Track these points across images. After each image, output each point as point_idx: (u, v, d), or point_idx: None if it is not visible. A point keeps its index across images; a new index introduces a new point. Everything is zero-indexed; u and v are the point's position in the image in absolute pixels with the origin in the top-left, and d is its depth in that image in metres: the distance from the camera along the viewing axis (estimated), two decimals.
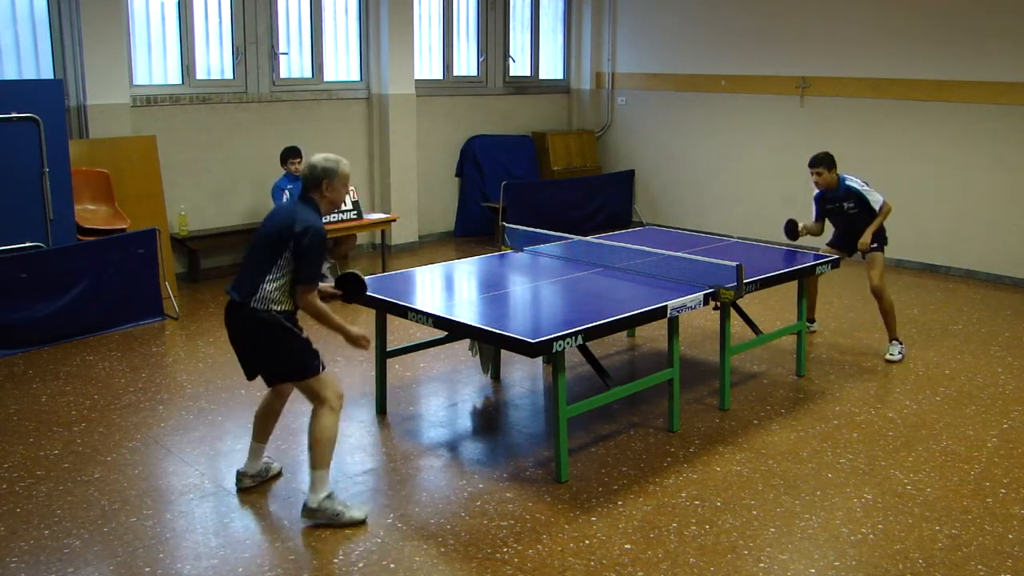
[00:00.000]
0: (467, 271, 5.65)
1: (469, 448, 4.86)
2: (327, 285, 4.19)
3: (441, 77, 10.09)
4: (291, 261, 3.80)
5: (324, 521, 3.86)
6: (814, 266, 5.61)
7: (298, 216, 3.82)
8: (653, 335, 6.50)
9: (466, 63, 10.33)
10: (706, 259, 5.18)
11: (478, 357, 5.63)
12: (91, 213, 7.04)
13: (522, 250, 5.92)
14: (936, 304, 7.56)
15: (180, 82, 8.04)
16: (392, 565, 3.60)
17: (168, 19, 7.94)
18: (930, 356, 6.20)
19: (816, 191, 6.25)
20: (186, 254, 8.07)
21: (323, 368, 3.91)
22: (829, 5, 9.09)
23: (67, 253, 6.37)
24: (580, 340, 4.16)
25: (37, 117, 6.33)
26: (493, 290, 5.13)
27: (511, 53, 10.70)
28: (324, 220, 3.95)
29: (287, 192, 7.72)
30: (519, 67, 10.83)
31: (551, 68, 11.28)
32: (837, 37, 9.06)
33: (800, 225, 6.32)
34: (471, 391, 5.57)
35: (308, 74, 8.92)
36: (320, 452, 3.87)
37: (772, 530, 3.89)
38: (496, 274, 5.51)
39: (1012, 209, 8.17)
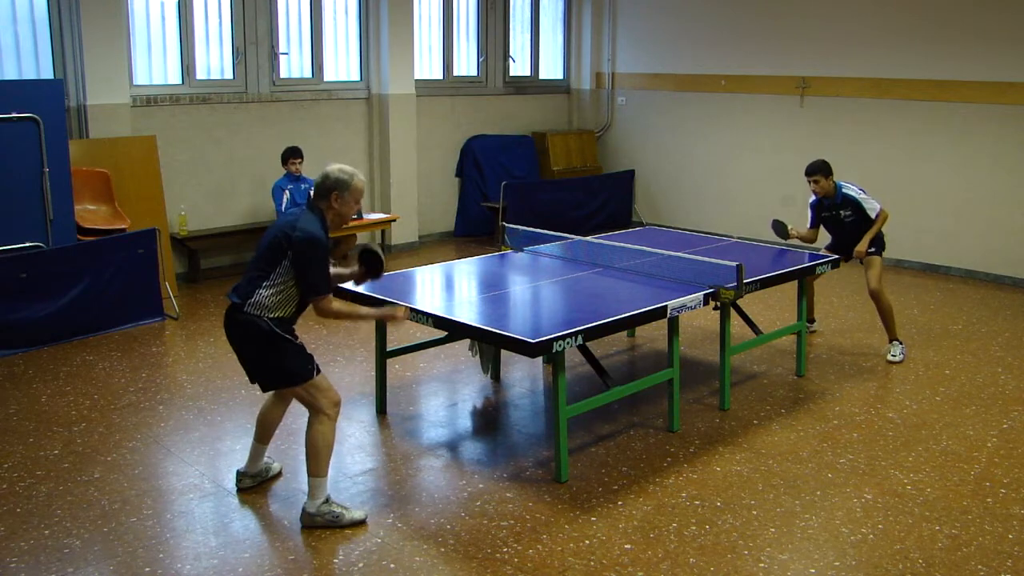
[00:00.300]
0: (467, 271, 5.65)
1: (469, 448, 4.86)
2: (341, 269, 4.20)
3: (441, 77, 10.09)
4: (289, 270, 3.75)
5: (324, 525, 3.86)
6: (814, 266, 5.61)
7: (299, 224, 3.76)
8: (653, 335, 6.50)
9: (466, 63, 10.33)
10: (706, 259, 5.18)
11: (478, 357, 5.63)
12: (91, 213, 7.04)
13: (522, 250, 5.92)
14: (936, 304, 7.56)
15: (180, 82, 8.05)
16: (392, 565, 3.60)
17: (168, 19, 7.94)
18: (930, 356, 6.20)
19: (813, 198, 6.24)
20: (186, 254, 8.07)
21: (317, 372, 3.87)
22: (829, 5, 9.09)
23: (67, 253, 6.37)
24: (580, 340, 4.16)
25: (37, 117, 6.33)
26: (493, 290, 5.13)
27: (511, 53, 10.70)
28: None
29: (287, 192, 7.73)
30: (519, 67, 10.83)
31: (551, 68, 11.28)
32: (837, 37, 9.06)
33: (790, 228, 6.30)
34: (471, 391, 5.57)
35: (308, 74, 8.92)
36: (317, 461, 3.86)
37: (772, 530, 3.89)
38: (496, 274, 5.51)
39: (1012, 209, 8.17)
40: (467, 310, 4.75)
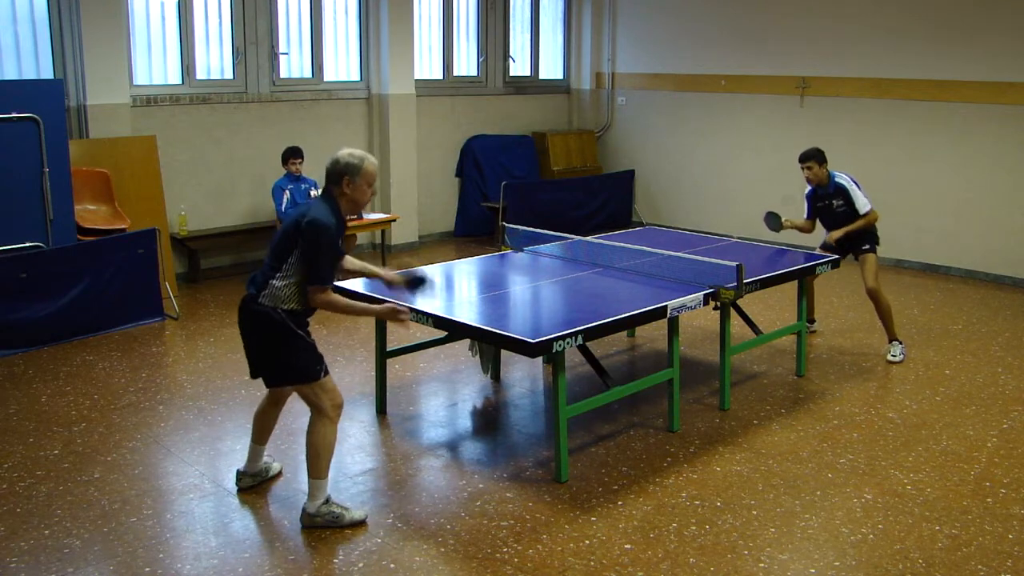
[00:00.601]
0: (467, 271, 5.65)
1: (469, 448, 4.86)
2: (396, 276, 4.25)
3: (441, 77, 10.09)
4: (301, 260, 3.71)
5: (324, 525, 3.85)
6: (814, 266, 5.61)
7: (309, 212, 3.72)
8: (653, 335, 6.50)
9: (466, 63, 10.33)
10: (706, 259, 5.18)
11: (478, 357, 5.63)
12: (91, 213, 7.04)
13: (522, 250, 5.92)
14: (936, 304, 7.56)
15: (180, 82, 8.05)
16: (392, 565, 3.60)
17: (168, 19, 7.94)
18: (930, 356, 6.20)
19: (808, 189, 6.27)
20: (186, 254, 8.07)
21: (325, 374, 3.85)
22: (829, 5, 9.09)
23: (67, 253, 6.37)
24: (580, 340, 4.16)
25: (37, 117, 6.33)
26: (493, 290, 5.13)
27: (511, 53, 10.70)
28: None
29: (287, 192, 7.73)
30: (519, 67, 10.83)
31: (551, 68, 11.28)
32: (837, 37, 9.07)
33: (785, 219, 6.31)
34: (471, 391, 5.57)
35: (308, 74, 8.92)
36: (317, 462, 3.84)
37: (772, 530, 3.89)
38: (496, 274, 5.51)
39: (1012, 209, 8.17)
40: (467, 310, 4.75)
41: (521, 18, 10.85)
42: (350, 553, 3.69)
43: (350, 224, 8.04)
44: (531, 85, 10.99)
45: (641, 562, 3.63)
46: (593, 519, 3.97)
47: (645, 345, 6.46)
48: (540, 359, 5.82)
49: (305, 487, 3.99)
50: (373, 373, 5.25)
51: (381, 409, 5.16)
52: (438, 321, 4.40)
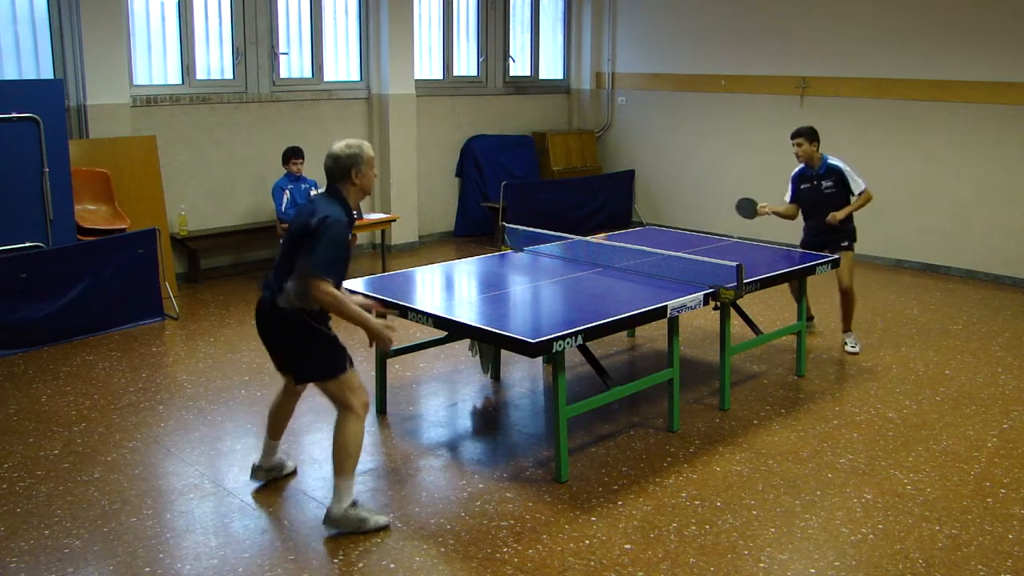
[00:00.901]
0: (467, 271, 5.65)
1: (469, 448, 4.86)
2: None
3: (441, 77, 10.09)
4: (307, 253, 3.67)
5: (349, 530, 3.80)
6: (814, 266, 5.61)
7: (318, 210, 3.70)
8: (653, 335, 6.50)
9: (466, 63, 10.33)
10: (706, 259, 5.18)
11: (478, 357, 5.63)
12: (91, 213, 7.04)
13: (522, 250, 5.92)
14: (936, 304, 7.56)
15: (180, 82, 8.05)
16: (392, 565, 3.60)
17: (168, 19, 7.94)
18: (930, 356, 6.20)
19: (795, 170, 6.25)
20: (186, 254, 8.07)
21: (351, 364, 3.83)
22: (829, 5, 9.09)
23: (67, 253, 6.37)
24: (580, 340, 4.16)
25: (37, 117, 6.33)
26: (493, 290, 5.13)
27: (511, 53, 10.70)
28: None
29: (287, 192, 7.73)
30: (519, 67, 10.83)
31: (551, 68, 11.28)
32: (837, 37, 9.06)
33: (760, 204, 6.28)
34: (471, 391, 5.57)
35: (308, 74, 8.92)
36: (345, 460, 3.79)
37: (772, 530, 3.89)
38: (496, 274, 5.51)
39: (1012, 209, 8.17)
40: (467, 310, 4.75)
41: (521, 18, 10.85)
42: (350, 553, 3.69)
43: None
44: (531, 85, 10.99)
45: (641, 562, 3.63)
46: (593, 519, 3.97)
47: (645, 345, 6.46)
48: (540, 359, 5.82)
49: (307, 487, 3.99)
50: (373, 373, 5.25)
51: (381, 409, 5.16)
52: (438, 321, 4.40)
